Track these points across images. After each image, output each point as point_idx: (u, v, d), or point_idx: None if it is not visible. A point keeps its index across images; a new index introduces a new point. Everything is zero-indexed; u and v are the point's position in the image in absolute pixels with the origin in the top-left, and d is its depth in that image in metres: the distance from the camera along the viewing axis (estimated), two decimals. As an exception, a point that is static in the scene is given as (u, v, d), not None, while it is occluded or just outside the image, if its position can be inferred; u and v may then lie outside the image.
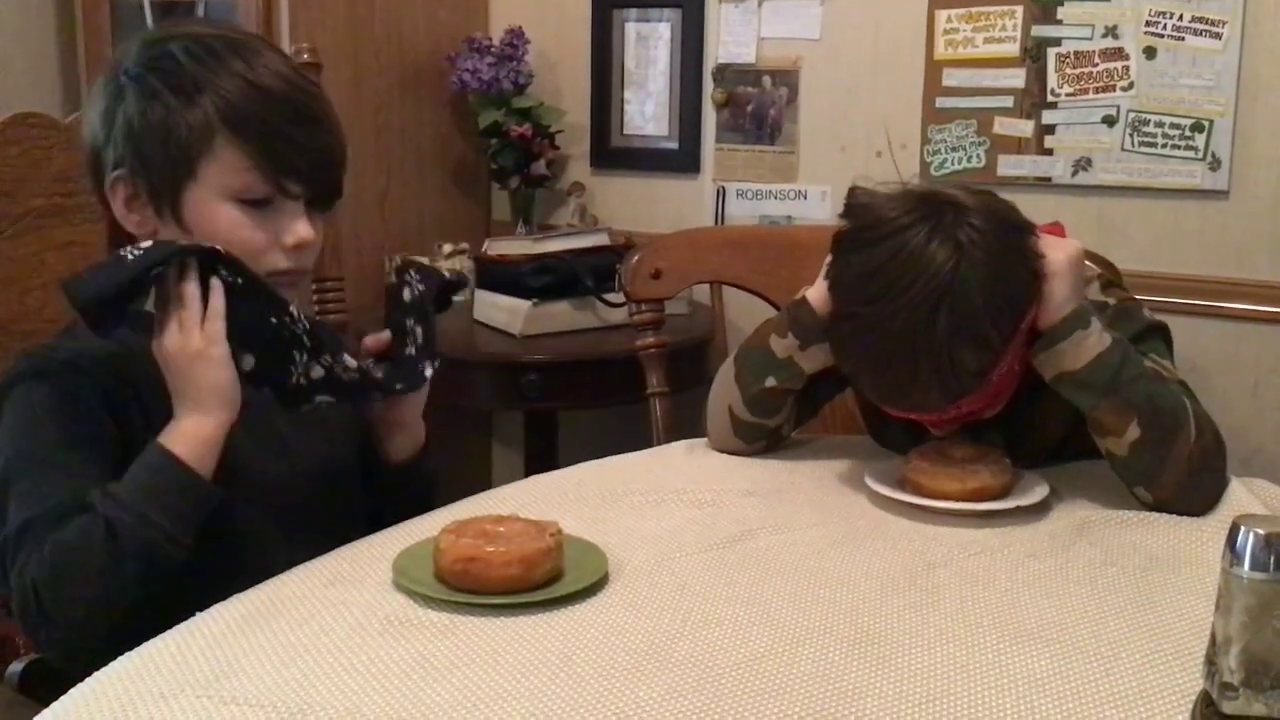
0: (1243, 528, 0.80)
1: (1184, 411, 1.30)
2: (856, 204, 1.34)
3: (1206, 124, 2.17)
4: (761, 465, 1.49)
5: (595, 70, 2.84)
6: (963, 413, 1.32)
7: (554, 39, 2.87)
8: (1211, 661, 0.83)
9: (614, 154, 2.86)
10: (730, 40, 2.66)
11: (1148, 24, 2.19)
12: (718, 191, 2.71)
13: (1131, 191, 2.25)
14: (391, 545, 1.17)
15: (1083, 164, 2.29)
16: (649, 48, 2.78)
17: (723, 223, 2.69)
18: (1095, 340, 1.29)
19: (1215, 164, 2.17)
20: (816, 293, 1.40)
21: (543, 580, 1.08)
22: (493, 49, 2.77)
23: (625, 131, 2.84)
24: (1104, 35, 2.24)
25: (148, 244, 1.16)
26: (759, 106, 2.65)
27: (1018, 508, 1.30)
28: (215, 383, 1.17)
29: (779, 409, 1.48)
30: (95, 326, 1.14)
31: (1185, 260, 2.20)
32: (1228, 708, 0.82)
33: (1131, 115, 2.24)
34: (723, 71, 2.68)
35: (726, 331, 1.96)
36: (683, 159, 2.75)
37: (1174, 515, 1.29)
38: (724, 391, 1.50)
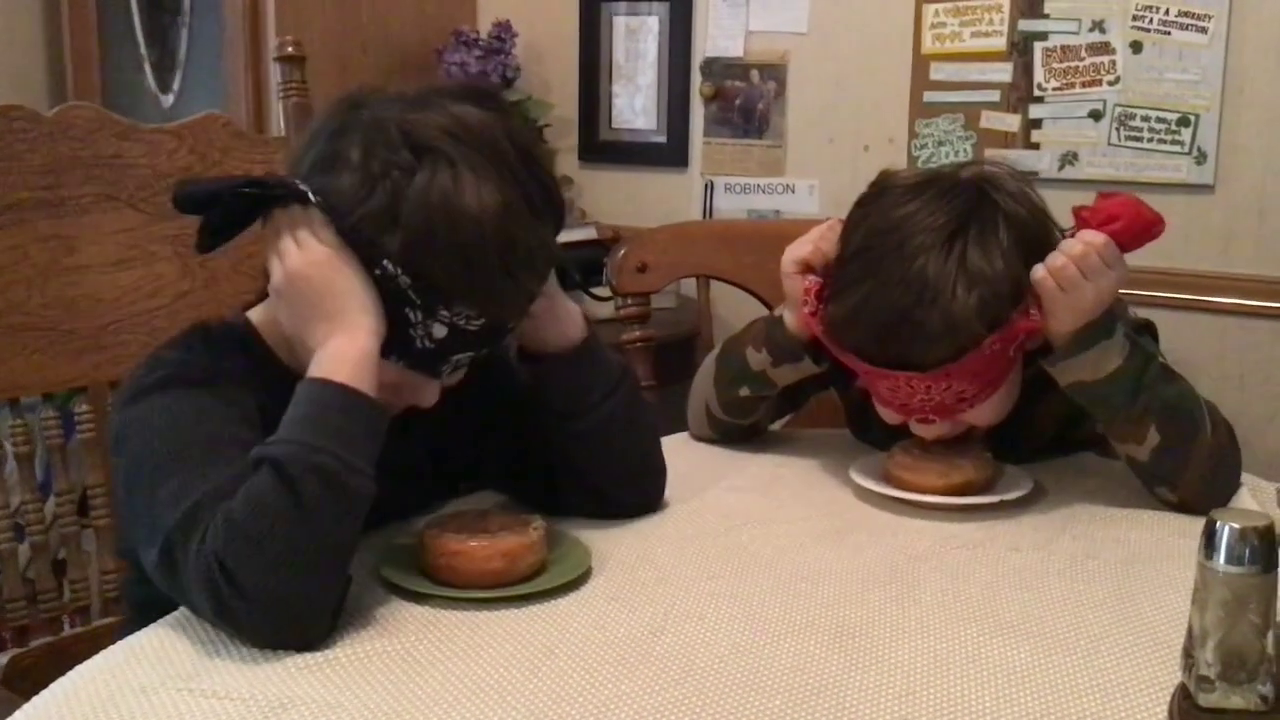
0: (1218, 521, 0.81)
1: (1199, 409, 1.29)
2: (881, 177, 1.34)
3: (1192, 118, 2.17)
4: (747, 459, 1.49)
5: (583, 63, 2.84)
6: (951, 397, 1.28)
7: (542, 32, 2.86)
8: (1189, 655, 0.83)
9: (602, 147, 2.86)
10: (718, 34, 2.66)
11: (1134, 18, 2.20)
12: (706, 185, 2.71)
13: (1118, 185, 2.25)
14: (375, 539, 1.17)
15: (1069, 158, 2.29)
16: (637, 41, 2.78)
17: (710, 216, 2.69)
18: (1117, 351, 1.25)
19: (1201, 158, 2.17)
20: (790, 316, 1.39)
21: (526, 574, 1.08)
22: (480, 42, 2.77)
23: (613, 125, 2.84)
24: (1091, 29, 2.24)
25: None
26: (747, 100, 2.65)
27: (1001, 502, 1.30)
28: (354, 287, 1.04)
29: (753, 412, 1.49)
30: (199, 238, 1.07)
31: (1171, 254, 2.20)
32: (1204, 700, 0.83)
33: (1118, 109, 2.24)
34: (711, 65, 2.68)
35: (714, 325, 1.95)
36: (671, 153, 2.75)
37: (1159, 511, 1.29)
38: (703, 388, 1.51)
